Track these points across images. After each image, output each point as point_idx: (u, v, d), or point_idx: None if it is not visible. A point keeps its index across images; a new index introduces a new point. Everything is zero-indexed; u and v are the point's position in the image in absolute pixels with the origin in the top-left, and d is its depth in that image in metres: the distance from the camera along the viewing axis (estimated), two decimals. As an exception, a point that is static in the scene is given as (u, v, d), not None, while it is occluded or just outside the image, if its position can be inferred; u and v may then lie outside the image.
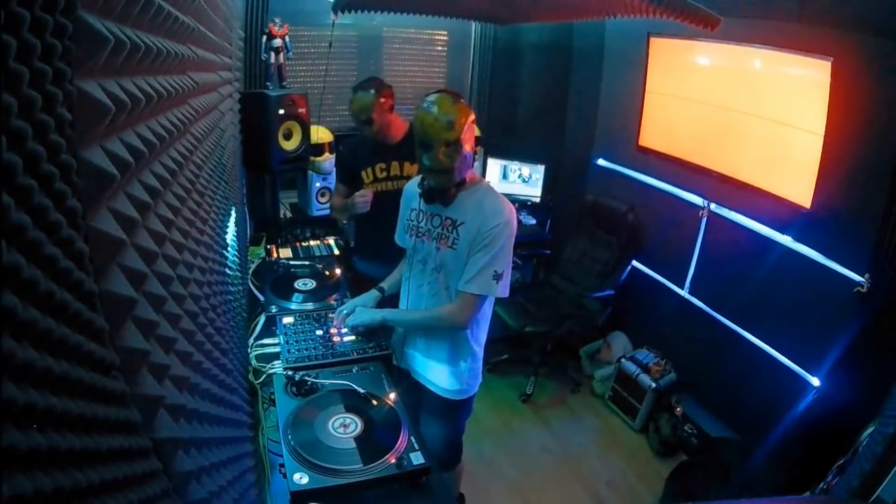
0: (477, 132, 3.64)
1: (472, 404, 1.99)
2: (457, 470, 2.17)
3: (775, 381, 2.59)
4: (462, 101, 1.65)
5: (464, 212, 1.70)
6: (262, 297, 2.17)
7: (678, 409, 2.89)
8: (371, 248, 2.58)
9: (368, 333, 1.93)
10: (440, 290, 1.80)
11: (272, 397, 1.64)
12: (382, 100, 2.32)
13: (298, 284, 2.30)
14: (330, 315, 2.02)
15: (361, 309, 1.92)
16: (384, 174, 2.44)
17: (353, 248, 2.80)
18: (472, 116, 1.66)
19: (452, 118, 1.61)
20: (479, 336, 1.86)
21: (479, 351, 1.88)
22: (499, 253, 1.64)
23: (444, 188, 1.70)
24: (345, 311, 1.94)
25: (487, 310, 1.83)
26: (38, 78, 0.39)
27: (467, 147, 1.66)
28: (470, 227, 1.67)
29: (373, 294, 2.00)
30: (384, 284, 2.03)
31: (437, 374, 1.88)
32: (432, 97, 1.65)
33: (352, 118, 2.50)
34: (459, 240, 1.69)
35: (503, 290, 1.68)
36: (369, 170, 2.46)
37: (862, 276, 2.15)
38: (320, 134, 3.03)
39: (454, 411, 1.93)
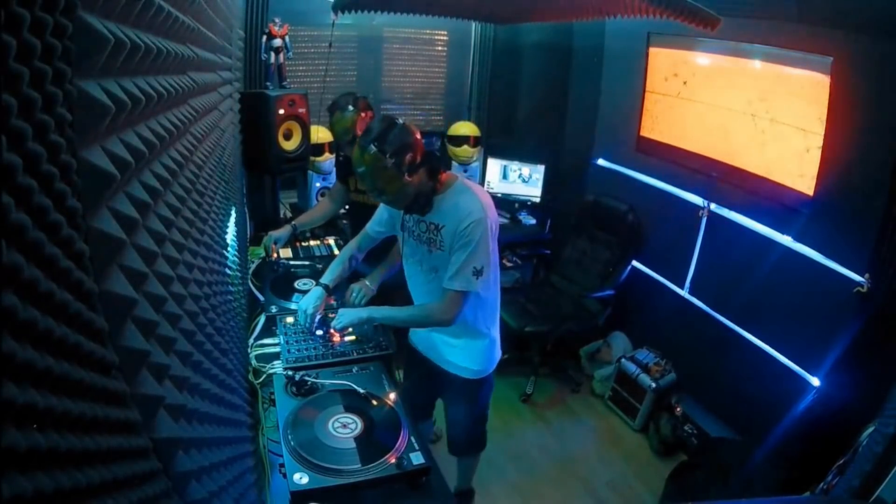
0: (476, 132, 3.65)
1: (492, 380, 2.05)
2: (476, 459, 2.28)
3: (775, 381, 2.59)
4: (378, 140, 1.59)
5: (443, 215, 1.72)
6: (262, 297, 2.17)
7: (678, 409, 2.88)
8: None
9: (365, 333, 1.92)
10: (436, 289, 1.82)
11: (272, 397, 1.64)
12: (363, 114, 2.26)
13: (298, 284, 2.30)
14: (288, 320, 1.99)
15: (345, 310, 1.92)
16: (363, 186, 2.44)
17: None
18: (387, 160, 1.59)
19: (363, 170, 1.64)
20: (486, 319, 1.89)
21: (490, 331, 1.92)
22: (476, 249, 1.65)
23: (404, 208, 1.76)
24: (307, 313, 1.92)
25: (488, 296, 1.84)
26: (38, 78, 0.39)
27: (398, 184, 1.63)
28: (449, 230, 1.70)
29: (318, 291, 1.99)
30: (327, 280, 2.02)
31: (455, 356, 1.93)
32: (357, 149, 1.63)
33: (335, 139, 2.46)
34: (444, 242, 1.73)
35: (485, 284, 1.70)
36: (352, 179, 2.46)
37: (862, 276, 2.15)
38: (320, 134, 3.03)
39: (476, 390, 1.99)
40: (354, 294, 2.08)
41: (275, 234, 2.50)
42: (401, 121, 1.66)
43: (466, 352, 1.92)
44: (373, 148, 1.59)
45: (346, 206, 2.75)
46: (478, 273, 1.67)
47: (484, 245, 1.66)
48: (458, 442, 2.16)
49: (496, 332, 1.97)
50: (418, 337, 2.07)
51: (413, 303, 1.96)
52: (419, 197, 1.71)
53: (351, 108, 2.25)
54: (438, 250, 1.75)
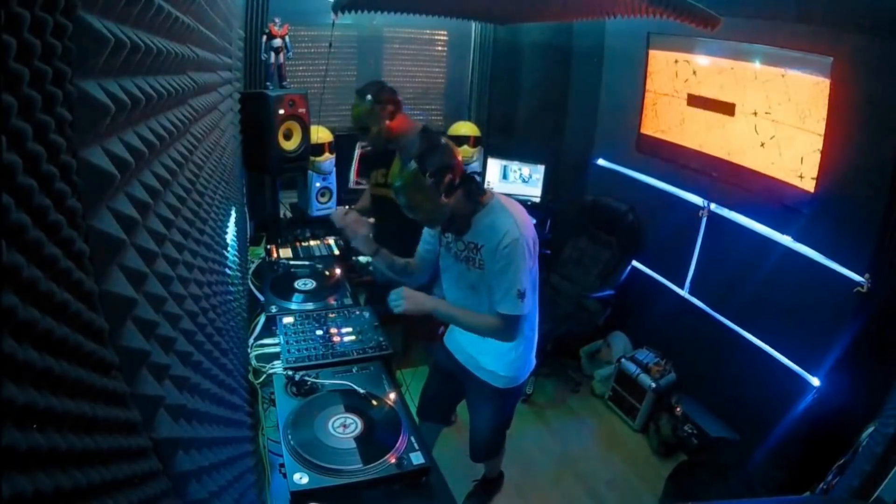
0: (476, 132, 3.65)
1: (521, 391, 2.04)
2: (500, 455, 2.36)
3: (775, 381, 2.59)
4: (425, 166, 1.59)
5: (481, 235, 1.71)
6: (262, 297, 2.17)
7: (678, 409, 2.88)
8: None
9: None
10: (477, 306, 1.83)
11: (272, 397, 1.64)
12: (379, 107, 2.21)
13: (298, 284, 2.30)
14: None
15: (412, 293, 1.81)
16: (383, 179, 2.42)
17: None
18: (426, 179, 1.59)
19: (403, 197, 1.64)
20: (524, 328, 1.85)
21: (526, 341, 1.89)
22: (517, 272, 1.65)
23: (439, 227, 1.77)
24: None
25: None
26: (38, 78, 0.38)
27: (434, 204, 1.63)
28: (489, 249, 1.69)
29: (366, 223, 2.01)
30: (385, 252, 1.99)
31: (487, 362, 1.91)
32: (397, 165, 1.65)
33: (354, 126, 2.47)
34: (485, 262, 1.72)
35: (527, 306, 1.69)
36: (374, 172, 2.46)
37: (862, 276, 2.15)
38: (320, 134, 3.03)
39: (504, 399, 1.98)
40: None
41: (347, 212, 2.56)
42: (443, 140, 1.67)
43: (499, 358, 1.89)
44: (413, 165, 1.60)
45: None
46: (521, 295, 1.67)
47: (521, 265, 1.65)
48: (478, 450, 2.19)
49: (532, 343, 1.94)
50: (452, 339, 2.05)
51: None
52: (456, 218, 1.71)
53: (369, 97, 2.20)
54: (477, 269, 1.74)
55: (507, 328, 1.73)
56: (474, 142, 3.63)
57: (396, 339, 2.80)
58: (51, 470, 0.37)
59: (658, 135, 3.24)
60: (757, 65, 2.64)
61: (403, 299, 1.77)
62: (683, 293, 3.15)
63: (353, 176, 3.21)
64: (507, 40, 3.73)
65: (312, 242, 2.78)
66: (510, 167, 3.78)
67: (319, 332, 1.93)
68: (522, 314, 1.70)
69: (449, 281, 1.90)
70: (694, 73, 3.00)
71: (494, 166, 3.79)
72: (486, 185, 3.70)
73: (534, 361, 1.99)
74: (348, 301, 2.23)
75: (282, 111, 2.66)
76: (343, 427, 1.49)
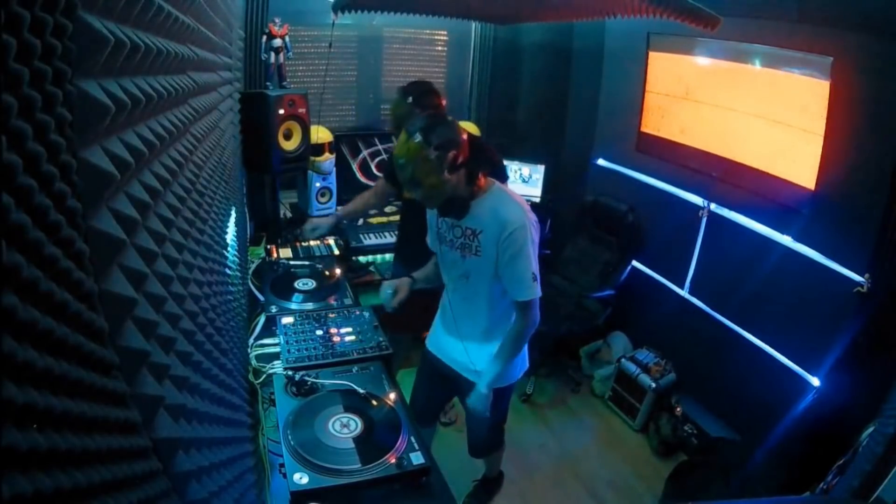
0: (476, 132, 3.65)
1: (514, 388, 2.05)
2: (500, 451, 2.35)
3: (775, 381, 2.59)
4: (429, 135, 1.55)
5: (480, 220, 1.70)
6: (262, 297, 2.17)
7: (678, 409, 2.88)
8: (400, 252, 2.62)
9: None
10: (469, 296, 1.82)
11: (272, 397, 1.64)
12: (419, 110, 2.12)
13: (298, 284, 2.30)
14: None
15: (478, 396, 1.82)
16: None
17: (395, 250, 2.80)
18: (431, 152, 1.56)
19: (403, 161, 1.59)
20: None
21: None
22: (526, 257, 1.66)
23: (437, 207, 1.73)
24: (389, 292, 1.93)
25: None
26: (38, 78, 0.38)
27: (436, 179, 1.60)
28: (489, 235, 1.68)
29: (406, 281, 1.98)
30: (417, 274, 2.02)
31: (482, 364, 1.87)
32: (402, 138, 1.59)
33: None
34: (482, 248, 1.70)
35: (539, 288, 1.71)
36: None
37: (862, 276, 2.15)
38: (320, 134, 3.03)
39: (498, 398, 1.94)
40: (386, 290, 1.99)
41: (316, 221, 2.49)
42: (450, 118, 1.64)
43: (490, 361, 1.86)
44: (418, 136, 1.55)
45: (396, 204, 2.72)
46: (535, 278, 1.68)
47: (531, 249, 1.67)
48: (478, 446, 2.19)
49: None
50: (440, 345, 2.02)
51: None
52: (455, 199, 1.67)
53: (410, 99, 2.13)
54: (474, 256, 1.73)
55: (528, 315, 1.74)
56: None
57: (403, 340, 2.80)
58: (51, 470, 0.37)
59: (658, 133, 3.24)
60: (757, 65, 2.64)
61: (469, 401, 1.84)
62: (683, 293, 3.15)
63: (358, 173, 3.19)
64: (507, 40, 3.73)
65: (312, 242, 2.77)
66: (510, 167, 3.76)
67: (319, 332, 1.93)
68: (538, 296, 1.71)
69: (445, 274, 1.90)
70: (693, 74, 3.00)
71: (494, 166, 3.78)
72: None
73: (527, 363, 1.98)
74: (348, 301, 2.23)
75: (282, 111, 2.66)
76: (343, 427, 1.49)
